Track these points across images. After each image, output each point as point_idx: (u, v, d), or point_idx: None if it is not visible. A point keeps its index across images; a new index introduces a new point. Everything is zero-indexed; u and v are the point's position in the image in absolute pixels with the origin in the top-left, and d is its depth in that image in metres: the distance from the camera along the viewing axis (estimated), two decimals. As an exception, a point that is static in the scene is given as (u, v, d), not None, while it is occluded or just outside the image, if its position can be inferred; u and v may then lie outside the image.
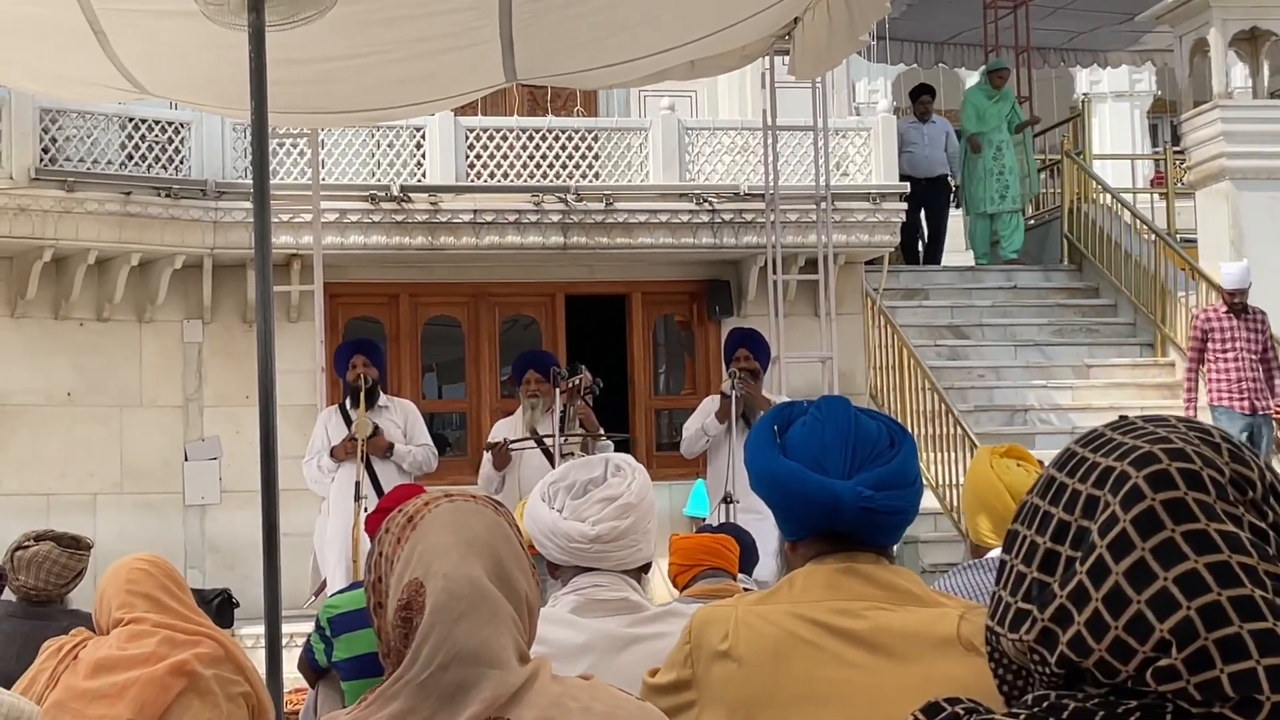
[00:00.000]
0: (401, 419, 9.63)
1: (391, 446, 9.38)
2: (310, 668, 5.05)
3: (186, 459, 12.03)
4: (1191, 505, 1.30)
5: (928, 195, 15.55)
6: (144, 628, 3.98)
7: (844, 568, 2.53)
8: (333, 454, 9.41)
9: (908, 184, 13.61)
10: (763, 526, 9.22)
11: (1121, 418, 1.43)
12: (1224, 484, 1.32)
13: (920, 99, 16.09)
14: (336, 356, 9.98)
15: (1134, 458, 1.34)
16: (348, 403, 9.52)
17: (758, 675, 2.49)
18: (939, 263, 16.00)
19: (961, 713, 1.38)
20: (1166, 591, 1.27)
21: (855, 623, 2.48)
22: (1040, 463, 4.10)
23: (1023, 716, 1.34)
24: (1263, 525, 1.32)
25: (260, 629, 6.56)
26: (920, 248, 16.05)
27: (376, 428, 9.33)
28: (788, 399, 9.50)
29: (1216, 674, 1.26)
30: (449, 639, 1.95)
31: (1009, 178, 15.58)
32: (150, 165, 11.61)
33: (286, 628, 6.14)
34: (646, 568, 3.59)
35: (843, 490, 2.51)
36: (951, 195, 16.30)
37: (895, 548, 2.73)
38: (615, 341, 13.30)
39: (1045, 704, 1.34)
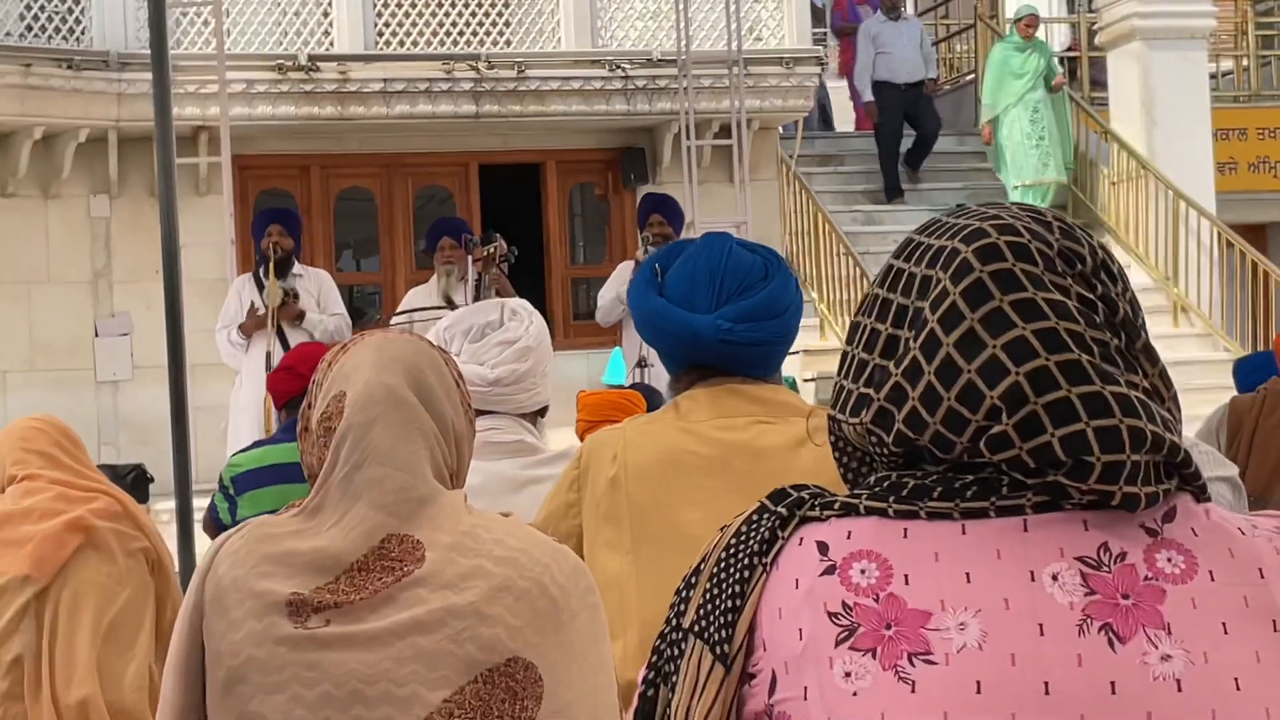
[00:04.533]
0: (315, 288, 9.58)
1: (303, 314, 9.32)
2: (215, 527, 5.04)
3: (97, 335, 11.90)
4: (1019, 276, 1.32)
5: (909, 100, 14.26)
6: (39, 484, 3.96)
7: (726, 389, 2.64)
8: (241, 329, 9.35)
9: (822, 49, 13.54)
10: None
11: (959, 205, 1.44)
12: (1052, 256, 1.33)
13: None
14: (253, 225, 9.89)
15: (964, 234, 1.35)
16: (261, 271, 9.44)
17: (646, 486, 2.61)
18: (918, 166, 14.67)
19: (806, 497, 1.39)
20: (996, 359, 1.29)
21: (739, 435, 2.60)
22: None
23: (864, 496, 1.36)
24: (1091, 297, 1.33)
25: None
26: (901, 169, 14.50)
27: (287, 294, 9.25)
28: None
29: (1048, 438, 1.27)
30: (363, 440, 2.01)
31: (1049, 145, 13.70)
32: (50, 36, 11.36)
33: (198, 501, 6.11)
34: (543, 411, 3.60)
35: (700, 324, 2.60)
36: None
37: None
38: (531, 212, 13.23)
39: (886, 484, 1.36)
